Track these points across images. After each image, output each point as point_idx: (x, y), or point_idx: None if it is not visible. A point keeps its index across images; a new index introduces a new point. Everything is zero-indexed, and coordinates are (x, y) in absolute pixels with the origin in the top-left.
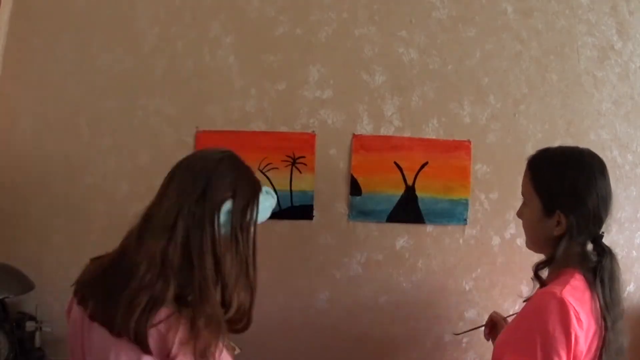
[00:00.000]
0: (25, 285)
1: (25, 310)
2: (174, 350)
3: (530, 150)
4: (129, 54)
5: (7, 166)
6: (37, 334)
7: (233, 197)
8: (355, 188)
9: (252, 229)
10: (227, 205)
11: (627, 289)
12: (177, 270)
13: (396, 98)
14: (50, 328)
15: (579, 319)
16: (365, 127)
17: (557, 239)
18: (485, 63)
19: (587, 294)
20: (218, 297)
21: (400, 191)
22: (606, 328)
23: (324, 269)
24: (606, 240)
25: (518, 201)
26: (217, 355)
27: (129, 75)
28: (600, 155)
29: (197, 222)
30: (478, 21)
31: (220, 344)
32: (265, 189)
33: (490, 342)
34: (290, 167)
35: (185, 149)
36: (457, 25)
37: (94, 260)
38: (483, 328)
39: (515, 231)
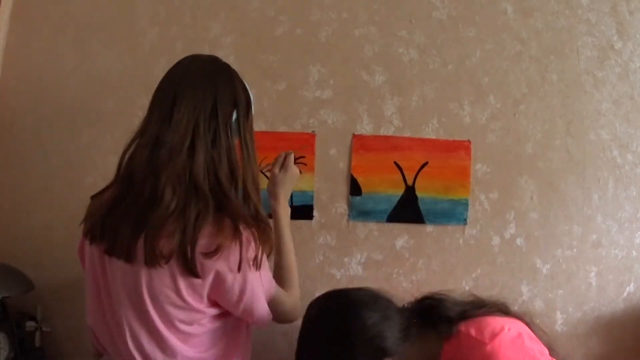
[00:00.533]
0: (25, 285)
1: (25, 310)
2: (231, 265)
3: (530, 150)
4: (129, 54)
5: (7, 166)
6: (37, 334)
7: (236, 105)
8: (355, 188)
9: (252, 130)
10: (235, 115)
11: (627, 288)
12: (205, 188)
13: (396, 98)
14: (50, 328)
15: None
16: (365, 127)
17: None
18: (485, 63)
19: None
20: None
21: (400, 191)
22: None
23: (324, 269)
24: (606, 240)
25: (518, 201)
26: (264, 259)
27: (129, 75)
28: (600, 155)
29: (214, 137)
30: (478, 21)
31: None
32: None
33: None
34: None
35: None
36: (457, 25)
37: (94, 197)
38: None
39: (515, 231)
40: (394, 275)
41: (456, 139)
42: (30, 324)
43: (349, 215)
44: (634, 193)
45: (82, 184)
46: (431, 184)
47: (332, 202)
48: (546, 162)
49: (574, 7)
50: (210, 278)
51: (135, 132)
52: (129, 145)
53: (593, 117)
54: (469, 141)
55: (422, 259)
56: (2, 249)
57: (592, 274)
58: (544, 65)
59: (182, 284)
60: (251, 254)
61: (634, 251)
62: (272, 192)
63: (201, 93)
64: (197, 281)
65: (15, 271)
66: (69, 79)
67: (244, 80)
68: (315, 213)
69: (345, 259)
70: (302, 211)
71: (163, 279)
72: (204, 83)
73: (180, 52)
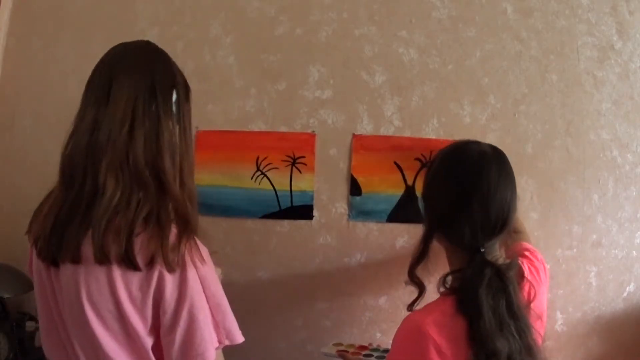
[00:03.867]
0: (25, 285)
1: (25, 310)
2: (166, 256)
3: (531, 150)
4: None
5: (7, 166)
6: (37, 334)
7: (174, 86)
8: (355, 188)
9: (190, 115)
10: (174, 96)
11: (627, 288)
12: (146, 175)
13: (396, 98)
14: None
15: (440, 352)
16: (365, 127)
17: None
18: (485, 63)
19: (459, 321)
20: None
21: (400, 191)
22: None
23: (324, 269)
24: (606, 240)
25: (518, 201)
26: (196, 256)
27: None
28: (600, 155)
29: (154, 119)
30: (478, 21)
31: (198, 245)
32: None
33: None
34: (290, 167)
35: None
36: (457, 25)
37: (38, 209)
38: None
39: None
40: (394, 275)
41: (456, 139)
42: (30, 324)
43: (349, 215)
44: (634, 193)
45: None
46: None
47: (332, 202)
48: (546, 162)
49: (574, 7)
50: (154, 281)
51: (73, 125)
52: (67, 141)
53: (593, 117)
54: None
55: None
56: (2, 249)
57: (592, 274)
58: (544, 65)
59: (124, 288)
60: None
61: (634, 251)
62: None
63: (138, 73)
64: (143, 288)
65: (15, 271)
66: (69, 79)
67: None
68: (315, 213)
69: (345, 259)
70: (302, 211)
71: (99, 277)
72: (139, 64)
73: (180, 52)
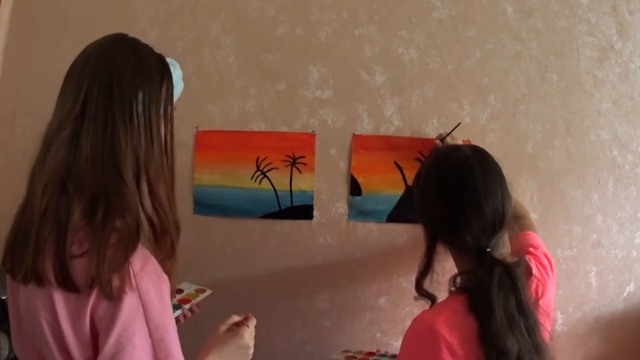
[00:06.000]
0: None
1: None
2: (102, 277)
3: (530, 150)
4: None
5: (7, 166)
6: None
7: (143, 81)
8: (355, 188)
9: (169, 111)
10: (141, 94)
11: (627, 288)
12: (86, 187)
13: (396, 98)
14: None
15: (452, 351)
16: (365, 127)
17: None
18: (485, 63)
19: (470, 320)
20: (146, 204)
21: (400, 191)
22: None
23: (324, 269)
24: (606, 240)
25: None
26: (144, 278)
27: None
28: (600, 155)
29: (109, 122)
30: (478, 21)
31: (151, 264)
32: (168, 59)
33: None
34: (290, 167)
35: (185, 149)
36: (457, 25)
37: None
38: None
39: None
40: (394, 275)
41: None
42: None
43: (349, 215)
44: (634, 193)
45: None
46: None
47: (332, 202)
48: (546, 162)
49: (574, 7)
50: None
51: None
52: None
53: (593, 117)
54: (469, 141)
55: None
56: (2, 248)
57: (592, 274)
58: (544, 65)
59: (62, 310)
60: (143, 268)
61: (634, 251)
62: (206, 347)
63: (91, 69)
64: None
65: None
66: None
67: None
68: (315, 213)
69: (345, 259)
70: (302, 211)
71: (43, 298)
72: (96, 58)
73: (180, 52)
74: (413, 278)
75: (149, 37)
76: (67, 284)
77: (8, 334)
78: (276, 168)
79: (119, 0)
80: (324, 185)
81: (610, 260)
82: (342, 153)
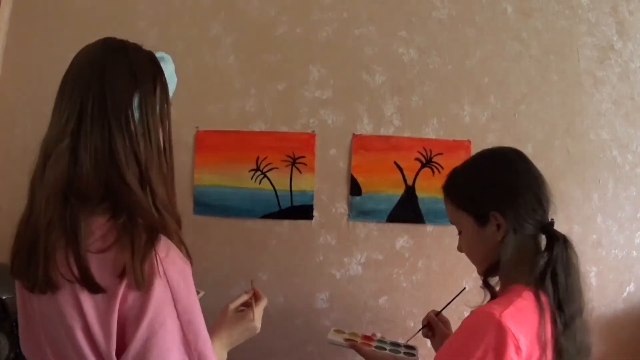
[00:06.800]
0: None
1: None
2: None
3: (531, 150)
4: None
5: (7, 166)
6: None
7: (136, 83)
8: (355, 188)
9: (165, 110)
10: (136, 99)
11: (627, 288)
12: (93, 193)
13: (396, 98)
14: None
15: (517, 347)
16: (365, 127)
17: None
18: (485, 63)
19: (534, 316)
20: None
21: (400, 191)
22: (556, 339)
23: (324, 269)
24: (606, 240)
25: None
26: (169, 266)
27: None
28: (600, 155)
29: (107, 130)
30: (478, 21)
31: (174, 254)
32: (159, 55)
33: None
34: (290, 167)
35: (186, 149)
36: (457, 25)
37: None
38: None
39: None
40: (394, 275)
41: (456, 139)
42: None
43: (349, 215)
44: (634, 193)
45: None
46: (431, 184)
47: (332, 202)
48: (546, 162)
49: (574, 7)
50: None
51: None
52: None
53: (593, 117)
54: (469, 141)
55: (422, 259)
56: (2, 249)
57: (592, 274)
58: (544, 65)
59: (85, 302)
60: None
61: (634, 251)
62: (214, 327)
63: (83, 80)
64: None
65: None
66: None
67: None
68: (315, 213)
69: (345, 259)
70: (302, 211)
71: (70, 302)
72: (86, 68)
73: (180, 52)
74: (413, 278)
75: (149, 37)
76: (88, 281)
77: (8, 334)
78: (276, 168)
79: (119, 0)
80: (324, 185)
81: (610, 260)
82: (342, 153)
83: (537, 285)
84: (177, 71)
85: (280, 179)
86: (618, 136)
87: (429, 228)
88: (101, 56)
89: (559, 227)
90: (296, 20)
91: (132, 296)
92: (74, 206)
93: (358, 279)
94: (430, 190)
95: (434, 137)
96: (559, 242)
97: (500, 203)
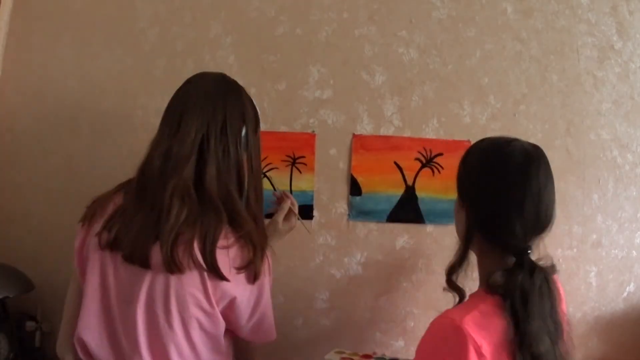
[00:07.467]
0: (25, 285)
1: (25, 310)
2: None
3: None
4: (129, 54)
5: (7, 166)
6: (37, 334)
7: (245, 121)
8: (355, 188)
9: (259, 145)
10: (244, 131)
11: (627, 288)
12: (216, 199)
13: (396, 98)
14: (50, 328)
15: (480, 353)
16: (365, 127)
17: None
18: (485, 63)
19: (500, 322)
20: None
21: (400, 191)
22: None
23: (324, 269)
24: (606, 240)
25: None
26: (267, 271)
27: (129, 75)
28: (600, 155)
29: (225, 151)
30: (478, 21)
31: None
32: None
33: None
34: (290, 167)
35: None
36: (457, 25)
37: (98, 199)
38: None
39: None
40: (394, 275)
41: (456, 139)
42: (30, 324)
43: (349, 215)
44: (634, 193)
45: (82, 184)
46: (431, 184)
47: (332, 202)
48: None
49: (574, 7)
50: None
51: (148, 148)
52: (145, 158)
53: (593, 117)
54: (469, 141)
55: (422, 259)
56: (2, 249)
57: (592, 274)
58: (544, 65)
59: (209, 286)
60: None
61: (634, 251)
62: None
63: (211, 109)
64: (219, 289)
65: (15, 271)
66: (68, 79)
67: (251, 98)
68: (315, 213)
69: (345, 259)
70: (302, 211)
71: (188, 283)
72: (213, 99)
73: (180, 52)
74: (413, 278)
75: (149, 37)
76: (213, 268)
77: (8, 334)
78: (276, 168)
79: (119, 0)
80: (324, 185)
81: (610, 260)
82: (342, 153)
83: (501, 294)
84: (177, 71)
85: (280, 179)
86: (618, 136)
87: (429, 228)
88: (224, 92)
89: (558, 227)
90: (296, 20)
91: (242, 286)
92: (206, 208)
93: (358, 279)
94: (430, 190)
95: (434, 137)
96: (525, 275)
97: (469, 197)
